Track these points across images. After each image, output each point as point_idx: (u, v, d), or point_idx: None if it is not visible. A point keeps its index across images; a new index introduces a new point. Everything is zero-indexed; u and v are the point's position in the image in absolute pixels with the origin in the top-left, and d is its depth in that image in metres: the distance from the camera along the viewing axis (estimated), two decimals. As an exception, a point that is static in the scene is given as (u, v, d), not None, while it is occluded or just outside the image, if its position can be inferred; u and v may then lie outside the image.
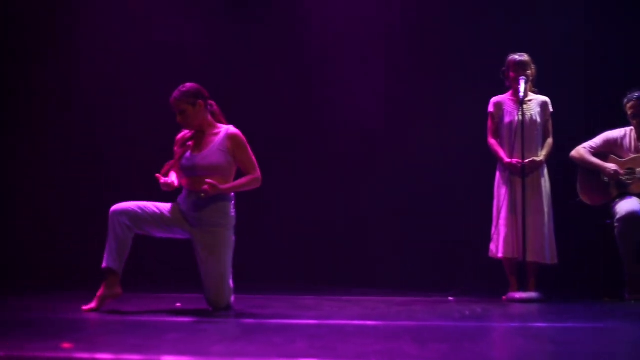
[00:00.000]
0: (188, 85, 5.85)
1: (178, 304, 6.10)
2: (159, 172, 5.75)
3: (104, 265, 5.59)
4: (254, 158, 5.81)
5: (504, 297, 6.69)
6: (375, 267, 8.26)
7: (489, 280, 7.39)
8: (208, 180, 5.57)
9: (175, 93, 5.80)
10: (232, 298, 5.78)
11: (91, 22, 8.84)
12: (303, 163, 8.61)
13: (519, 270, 6.76)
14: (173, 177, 5.81)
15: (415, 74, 8.54)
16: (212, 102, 5.92)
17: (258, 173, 5.80)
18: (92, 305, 5.56)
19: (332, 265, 8.37)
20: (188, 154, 5.79)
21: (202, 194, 5.58)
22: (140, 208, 5.70)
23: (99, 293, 5.59)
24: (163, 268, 8.22)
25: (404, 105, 8.53)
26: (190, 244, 5.85)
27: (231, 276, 5.77)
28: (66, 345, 3.95)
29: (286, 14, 8.82)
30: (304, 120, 8.64)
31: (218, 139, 5.78)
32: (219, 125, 5.88)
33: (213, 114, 5.91)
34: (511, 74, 6.91)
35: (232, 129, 5.83)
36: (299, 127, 8.63)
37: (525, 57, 6.90)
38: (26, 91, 8.84)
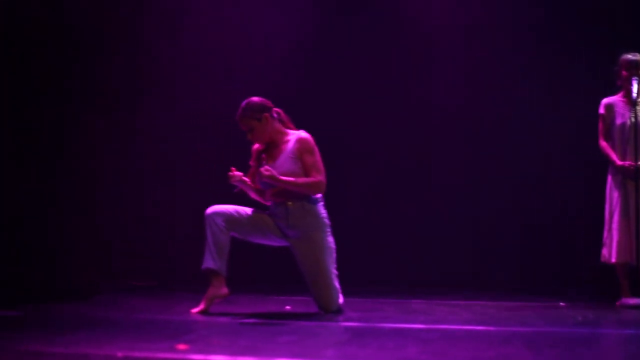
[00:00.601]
0: (250, 101, 5.77)
1: (287, 307, 6.15)
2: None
3: (203, 266, 5.65)
4: (320, 164, 5.70)
5: (617, 303, 6.54)
6: (483, 271, 8.18)
7: (601, 286, 7.25)
8: (266, 166, 5.56)
9: (239, 112, 5.74)
10: (341, 299, 5.80)
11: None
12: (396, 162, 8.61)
13: (632, 276, 6.60)
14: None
15: (518, 73, 8.43)
16: (279, 110, 5.84)
17: (321, 177, 5.67)
18: (201, 307, 5.63)
19: (443, 267, 8.32)
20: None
21: (263, 175, 5.53)
22: (236, 211, 5.73)
23: (206, 294, 5.67)
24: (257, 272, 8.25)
25: (508, 106, 8.43)
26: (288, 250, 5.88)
27: (336, 278, 5.77)
28: (181, 346, 4.03)
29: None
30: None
31: (289, 146, 5.73)
32: (289, 131, 5.82)
33: (282, 122, 5.84)
34: (623, 73, 6.75)
35: (303, 134, 5.77)
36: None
37: (638, 56, 6.73)
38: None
